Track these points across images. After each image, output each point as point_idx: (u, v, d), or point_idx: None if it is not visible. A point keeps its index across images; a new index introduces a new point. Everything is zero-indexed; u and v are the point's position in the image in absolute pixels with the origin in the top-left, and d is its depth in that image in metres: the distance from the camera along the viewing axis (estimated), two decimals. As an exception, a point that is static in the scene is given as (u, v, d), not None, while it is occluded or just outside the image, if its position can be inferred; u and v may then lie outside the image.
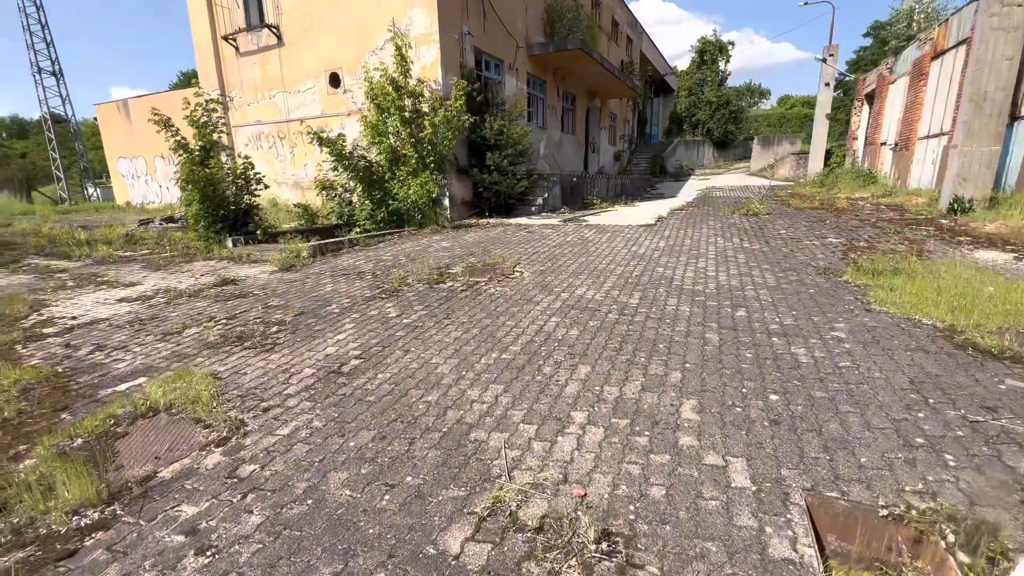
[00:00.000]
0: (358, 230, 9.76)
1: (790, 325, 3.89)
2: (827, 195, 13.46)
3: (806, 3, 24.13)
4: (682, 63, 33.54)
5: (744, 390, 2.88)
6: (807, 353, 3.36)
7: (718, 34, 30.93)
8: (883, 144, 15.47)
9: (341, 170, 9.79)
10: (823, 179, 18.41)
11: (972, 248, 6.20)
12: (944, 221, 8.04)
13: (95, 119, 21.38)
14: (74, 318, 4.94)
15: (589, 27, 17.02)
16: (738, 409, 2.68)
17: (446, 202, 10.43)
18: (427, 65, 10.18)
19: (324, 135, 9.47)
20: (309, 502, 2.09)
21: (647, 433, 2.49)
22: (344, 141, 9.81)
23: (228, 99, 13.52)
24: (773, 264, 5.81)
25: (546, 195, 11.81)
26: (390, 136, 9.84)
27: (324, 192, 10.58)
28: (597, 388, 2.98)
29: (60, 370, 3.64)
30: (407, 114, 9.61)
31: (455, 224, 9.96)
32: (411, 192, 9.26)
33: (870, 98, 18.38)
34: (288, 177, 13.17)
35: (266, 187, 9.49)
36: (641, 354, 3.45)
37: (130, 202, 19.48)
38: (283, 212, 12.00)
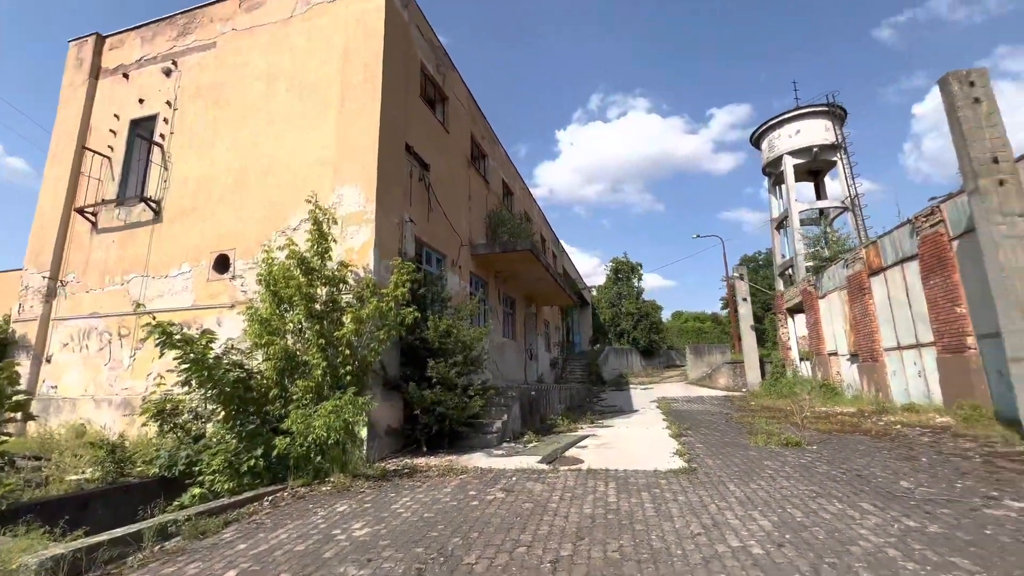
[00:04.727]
0: (198, 491, 5.58)
1: None
2: (819, 410, 11.71)
3: (698, 236, 27.94)
4: (589, 281, 36.51)
5: None
6: None
7: (628, 256, 34.44)
8: (833, 355, 15.16)
9: (196, 384, 6.06)
10: (771, 389, 17.55)
11: None
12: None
13: None
14: None
15: (526, 236, 16.82)
16: None
17: (363, 432, 6.79)
18: (355, 248, 7.80)
19: (179, 332, 5.98)
20: None
21: None
22: (211, 340, 6.30)
23: (59, 284, 9.81)
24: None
25: (505, 417, 8.65)
26: (288, 335, 6.66)
27: (157, 419, 6.53)
28: None
29: None
30: (318, 306, 6.69)
31: (377, 472, 6.17)
32: (316, 423, 5.59)
33: (792, 311, 19.28)
34: (117, 391, 8.83)
35: (33, 417, 5.34)
36: None
37: None
38: (84, 453, 7.34)
